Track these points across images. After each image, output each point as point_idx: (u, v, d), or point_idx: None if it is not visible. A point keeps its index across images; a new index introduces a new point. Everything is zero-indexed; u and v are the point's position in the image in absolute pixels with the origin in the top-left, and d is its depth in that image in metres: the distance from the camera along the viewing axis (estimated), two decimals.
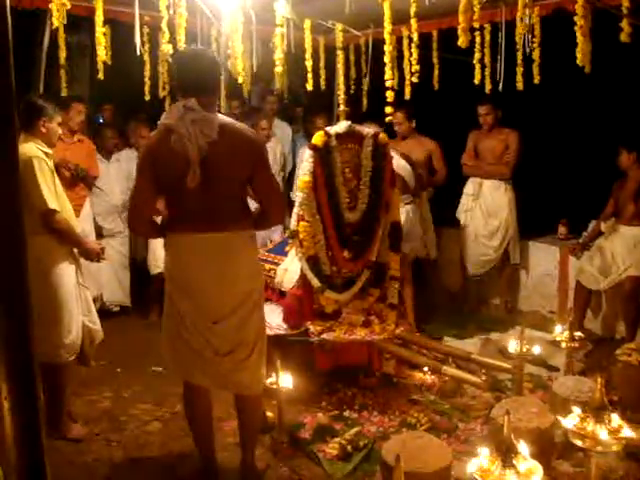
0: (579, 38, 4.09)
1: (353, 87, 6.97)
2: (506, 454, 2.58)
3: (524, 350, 4.09)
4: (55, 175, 3.79)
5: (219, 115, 3.11)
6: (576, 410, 2.98)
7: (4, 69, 1.19)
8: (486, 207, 6.23)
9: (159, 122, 3.10)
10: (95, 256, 3.90)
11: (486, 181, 6.21)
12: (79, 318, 3.85)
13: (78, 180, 5.50)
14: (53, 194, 3.67)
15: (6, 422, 1.21)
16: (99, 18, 4.44)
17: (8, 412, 1.20)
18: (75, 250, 3.86)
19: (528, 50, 4.92)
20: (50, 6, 3.99)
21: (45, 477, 1.24)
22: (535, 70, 5.03)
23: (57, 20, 3.89)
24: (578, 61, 4.16)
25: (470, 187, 6.32)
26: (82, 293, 3.92)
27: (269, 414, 4.01)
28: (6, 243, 1.21)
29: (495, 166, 6.12)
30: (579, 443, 2.93)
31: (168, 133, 2.98)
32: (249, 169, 3.10)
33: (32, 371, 1.22)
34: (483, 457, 2.65)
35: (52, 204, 3.63)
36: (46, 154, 3.73)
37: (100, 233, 6.04)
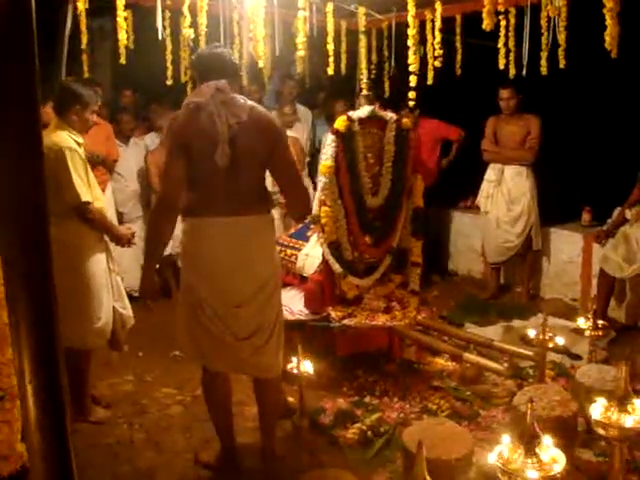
0: (608, 21, 4.00)
1: (374, 71, 6.93)
2: (529, 442, 2.57)
3: (546, 338, 4.06)
4: (87, 164, 3.78)
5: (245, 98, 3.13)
6: (600, 399, 2.95)
7: (28, 54, 1.18)
8: (508, 193, 6.17)
9: (186, 100, 3.09)
10: (126, 241, 3.91)
11: (507, 167, 6.15)
12: (109, 304, 3.87)
13: (97, 164, 5.50)
14: (86, 185, 3.67)
15: (29, 405, 1.21)
16: (121, 2, 4.44)
17: (32, 396, 1.20)
18: (105, 236, 3.87)
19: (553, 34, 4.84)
20: None
21: (70, 460, 1.24)
22: (561, 54, 4.96)
23: (81, 4, 3.88)
24: (606, 44, 4.08)
25: (491, 173, 6.26)
26: (113, 278, 3.93)
27: (290, 399, 4.03)
28: (29, 228, 1.20)
29: (518, 151, 6.06)
30: (603, 432, 2.91)
31: (197, 111, 2.99)
32: (272, 153, 3.11)
33: (57, 355, 1.22)
34: (505, 445, 2.64)
35: (85, 196, 3.63)
36: (78, 143, 3.72)
37: (120, 219, 6.05)
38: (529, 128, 6.00)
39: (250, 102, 3.14)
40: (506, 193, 6.16)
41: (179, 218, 3.18)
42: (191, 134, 3.01)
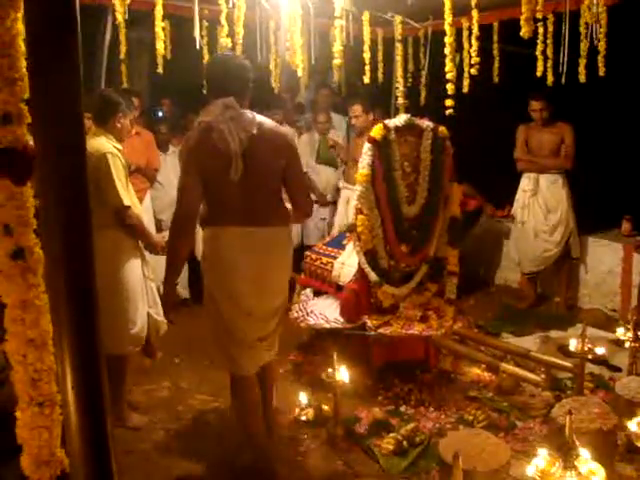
0: None
1: (411, 80, 6.92)
2: (567, 455, 2.53)
3: (585, 348, 4.00)
4: (127, 171, 3.85)
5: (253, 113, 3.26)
6: None
7: (73, 65, 1.20)
8: (545, 202, 6.10)
9: (197, 120, 3.21)
10: (160, 249, 3.95)
11: (542, 176, 6.07)
12: (144, 310, 3.92)
13: (133, 172, 5.56)
14: (126, 190, 3.74)
15: (71, 411, 1.23)
16: (159, 13, 4.49)
17: (74, 402, 1.22)
18: (140, 243, 3.92)
19: (594, 41, 4.79)
20: (113, 1, 4.06)
21: (110, 465, 1.26)
22: (600, 62, 4.90)
23: (120, 15, 3.95)
24: None
25: (527, 183, 6.19)
26: (148, 285, 3.98)
27: (325, 407, 4.02)
28: (74, 238, 1.22)
29: (555, 159, 6.00)
30: None
31: (209, 130, 3.11)
32: (284, 162, 3.24)
33: (98, 362, 1.24)
34: (542, 457, 2.61)
35: (127, 201, 3.70)
36: (117, 149, 3.78)
37: (159, 227, 6.11)
38: (562, 136, 5.93)
39: (259, 116, 3.25)
40: (542, 202, 6.09)
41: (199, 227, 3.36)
42: (204, 153, 3.12)
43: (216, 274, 3.28)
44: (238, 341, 3.31)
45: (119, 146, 3.82)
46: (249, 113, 3.19)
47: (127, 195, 3.73)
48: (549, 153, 6.01)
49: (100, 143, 3.70)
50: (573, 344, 4.04)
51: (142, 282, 3.91)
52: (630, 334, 4.13)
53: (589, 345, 4.02)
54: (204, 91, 5.76)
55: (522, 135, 6.14)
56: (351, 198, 5.86)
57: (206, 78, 3.39)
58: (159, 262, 5.71)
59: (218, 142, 3.07)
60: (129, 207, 3.71)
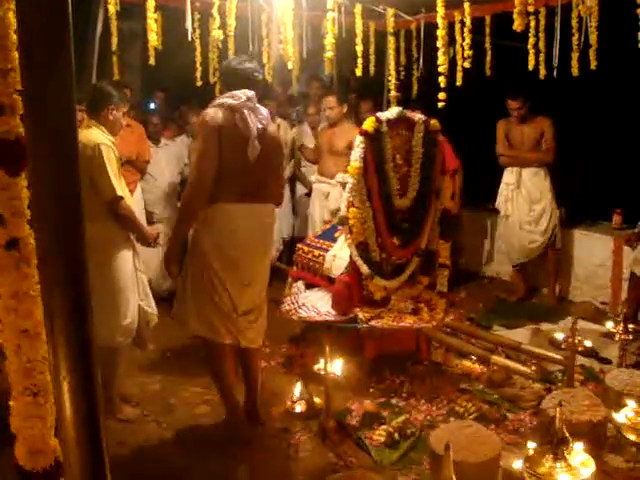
0: None
1: (403, 73, 6.91)
2: (557, 446, 2.55)
3: (576, 341, 4.02)
4: (119, 162, 3.85)
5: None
6: (630, 404, 2.92)
7: (65, 57, 1.20)
8: (528, 194, 6.15)
9: (220, 101, 3.58)
10: (152, 240, 3.96)
11: (525, 169, 6.13)
12: (135, 302, 3.93)
13: (124, 164, 5.55)
14: (119, 181, 3.75)
15: (64, 401, 1.23)
16: (151, 4, 4.48)
17: (67, 392, 1.22)
18: (131, 235, 3.92)
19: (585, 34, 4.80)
20: None
21: (103, 455, 1.26)
22: (592, 55, 4.91)
23: (112, 6, 3.94)
24: None
25: (510, 177, 6.23)
26: (139, 277, 3.98)
27: (316, 399, 4.03)
28: (67, 229, 1.22)
29: (537, 153, 6.04)
30: (632, 438, 2.88)
31: (231, 111, 3.52)
32: (274, 157, 3.75)
33: (90, 352, 1.24)
34: (533, 449, 2.63)
35: (119, 191, 3.72)
36: (110, 141, 3.78)
37: (150, 219, 6.10)
38: (542, 130, 5.98)
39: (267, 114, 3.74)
40: (526, 194, 6.15)
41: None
42: (225, 129, 3.50)
43: (216, 247, 3.57)
44: (223, 312, 3.62)
45: (112, 138, 3.82)
46: (263, 109, 3.66)
47: (120, 186, 3.73)
48: (530, 147, 6.06)
49: (93, 134, 3.70)
50: (563, 337, 4.07)
51: (133, 274, 3.91)
52: (620, 327, 4.16)
53: (579, 338, 4.04)
54: (197, 84, 5.80)
55: (502, 130, 6.18)
56: (332, 192, 5.88)
57: (225, 77, 3.85)
58: (149, 254, 5.76)
59: (239, 122, 3.50)
60: (122, 198, 3.72)
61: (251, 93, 3.57)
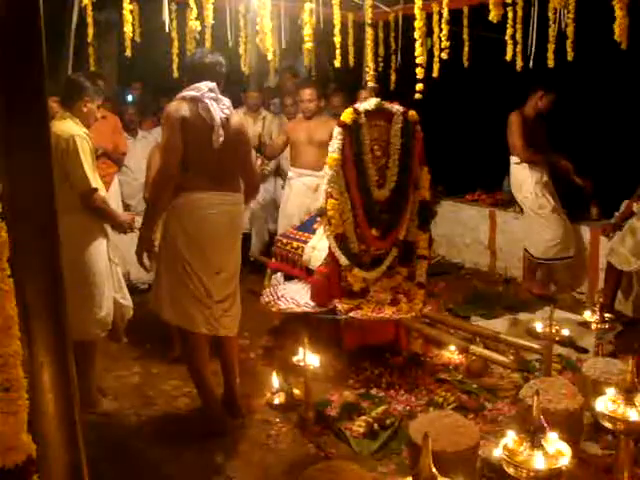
0: (617, 12, 3.95)
1: (381, 64, 6.91)
2: (535, 435, 2.57)
3: (553, 331, 4.05)
4: (93, 154, 3.82)
5: None
6: (608, 392, 2.95)
7: (36, 49, 1.18)
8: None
9: (183, 94, 3.62)
10: (128, 227, 3.96)
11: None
12: (110, 295, 3.91)
13: (100, 156, 5.50)
14: (94, 173, 3.72)
15: (39, 394, 1.22)
16: None
17: (43, 385, 1.22)
18: (107, 226, 3.89)
19: (563, 25, 4.82)
20: None
21: (79, 449, 1.26)
22: (569, 47, 4.93)
23: None
24: (616, 36, 4.01)
25: (538, 176, 6.12)
26: (114, 269, 3.96)
27: (296, 391, 4.03)
28: (39, 222, 1.21)
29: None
30: (609, 425, 2.91)
31: (194, 102, 3.58)
32: (241, 147, 3.77)
33: (66, 345, 1.24)
34: (511, 437, 2.64)
35: (94, 183, 3.70)
36: (86, 133, 3.75)
37: (126, 211, 6.05)
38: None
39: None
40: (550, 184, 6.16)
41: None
42: (189, 120, 3.56)
43: (189, 235, 3.62)
44: (198, 300, 3.65)
45: (86, 130, 3.79)
46: (226, 100, 3.70)
47: (95, 178, 3.71)
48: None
49: (67, 126, 3.67)
50: (541, 326, 4.09)
51: (108, 266, 3.89)
52: (597, 316, 4.19)
53: (557, 327, 4.07)
54: (174, 75, 5.75)
55: (518, 124, 6.05)
56: (308, 185, 5.84)
57: (189, 71, 3.81)
58: (128, 246, 5.72)
59: (202, 111, 3.56)
60: (96, 189, 3.70)
61: (212, 84, 3.64)
